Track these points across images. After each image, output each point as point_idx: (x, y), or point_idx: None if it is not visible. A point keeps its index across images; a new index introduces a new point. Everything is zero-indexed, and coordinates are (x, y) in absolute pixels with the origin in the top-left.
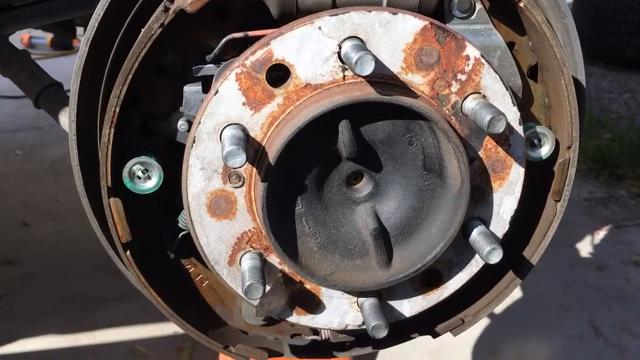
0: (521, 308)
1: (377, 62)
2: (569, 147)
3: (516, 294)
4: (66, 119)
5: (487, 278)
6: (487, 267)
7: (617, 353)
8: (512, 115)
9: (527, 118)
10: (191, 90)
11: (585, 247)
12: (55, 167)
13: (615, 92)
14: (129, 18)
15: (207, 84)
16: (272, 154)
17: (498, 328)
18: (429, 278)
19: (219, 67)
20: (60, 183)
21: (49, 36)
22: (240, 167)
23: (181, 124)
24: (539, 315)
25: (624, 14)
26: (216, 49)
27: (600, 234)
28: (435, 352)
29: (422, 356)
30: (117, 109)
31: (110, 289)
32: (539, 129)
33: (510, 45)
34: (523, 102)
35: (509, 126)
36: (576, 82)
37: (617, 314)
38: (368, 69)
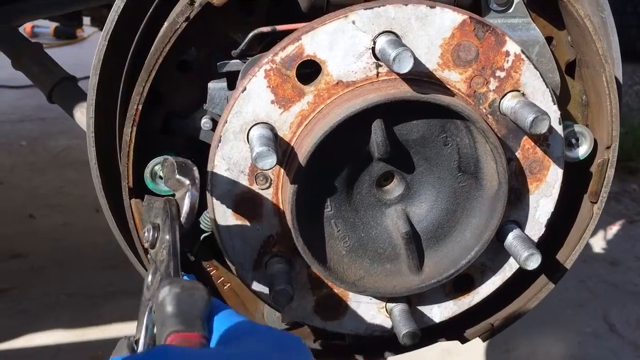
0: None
1: (415, 59)
2: (607, 147)
3: None
4: (82, 114)
5: (519, 281)
6: (519, 271)
7: (633, 350)
8: (553, 114)
9: (564, 116)
10: (216, 87)
11: (598, 243)
12: (60, 159)
13: (626, 84)
14: (150, 11)
15: (232, 80)
16: (303, 155)
17: (512, 325)
18: (460, 282)
19: (244, 62)
20: (65, 175)
21: (52, 25)
22: (270, 169)
23: (205, 122)
24: (554, 311)
25: (635, 4)
26: (243, 44)
27: (614, 229)
28: (448, 350)
29: (435, 353)
30: (140, 107)
31: (117, 283)
32: (577, 128)
33: (548, 40)
34: (560, 99)
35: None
36: (615, 79)
37: (632, 310)
38: (406, 66)
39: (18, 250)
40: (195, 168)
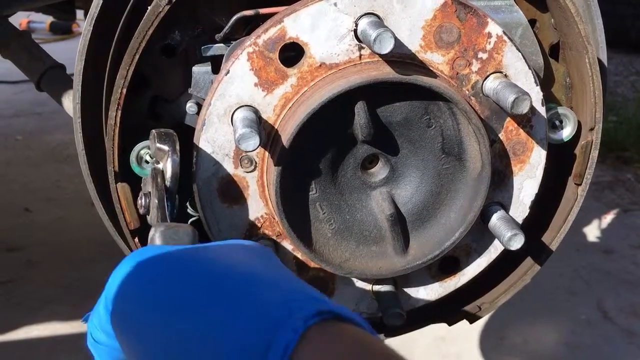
0: (529, 293)
1: (396, 40)
2: (591, 129)
3: None
4: (70, 102)
5: (505, 264)
6: (505, 253)
7: (627, 337)
8: (535, 95)
9: (548, 99)
10: (200, 70)
11: (592, 231)
12: (56, 154)
13: (621, 75)
14: None
15: (216, 64)
16: (286, 137)
17: (506, 313)
18: (446, 264)
19: (228, 46)
20: (61, 169)
21: (48, 20)
22: (254, 150)
23: (190, 106)
24: (547, 300)
25: None
26: (226, 28)
27: (608, 218)
28: (442, 338)
29: (429, 342)
30: (124, 90)
31: None
32: (560, 110)
33: (532, 22)
34: (544, 82)
35: (531, 107)
36: (598, 61)
37: (625, 298)
38: (387, 46)
39: (14, 244)
40: (175, 135)
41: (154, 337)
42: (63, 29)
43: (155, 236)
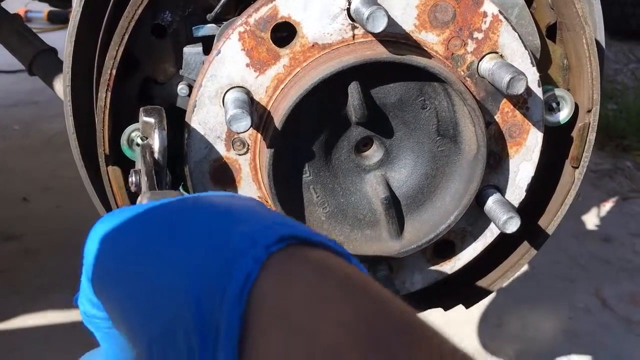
0: (527, 280)
1: (389, 19)
2: (588, 111)
3: None
4: (61, 85)
5: (501, 248)
6: (500, 237)
7: (625, 325)
8: (531, 76)
9: (545, 80)
10: (191, 51)
11: (591, 219)
12: (53, 143)
13: (621, 63)
14: None
15: (208, 44)
16: (278, 118)
17: (503, 300)
18: (442, 248)
19: (220, 26)
20: (58, 158)
21: (45, 9)
22: (245, 131)
23: (181, 88)
24: (545, 287)
25: None
26: (217, 7)
27: (607, 206)
28: (439, 323)
29: None
30: (114, 72)
31: None
32: (557, 91)
33: (528, 2)
34: (541, 63)
35: (527, 88)
36: (596, 42)
37: (624, 286)
38: (380, 25)
39: (12, 233)
40: (162, 109)
41: (127, 284)
42: (61, 18)
43: (143, 202)
